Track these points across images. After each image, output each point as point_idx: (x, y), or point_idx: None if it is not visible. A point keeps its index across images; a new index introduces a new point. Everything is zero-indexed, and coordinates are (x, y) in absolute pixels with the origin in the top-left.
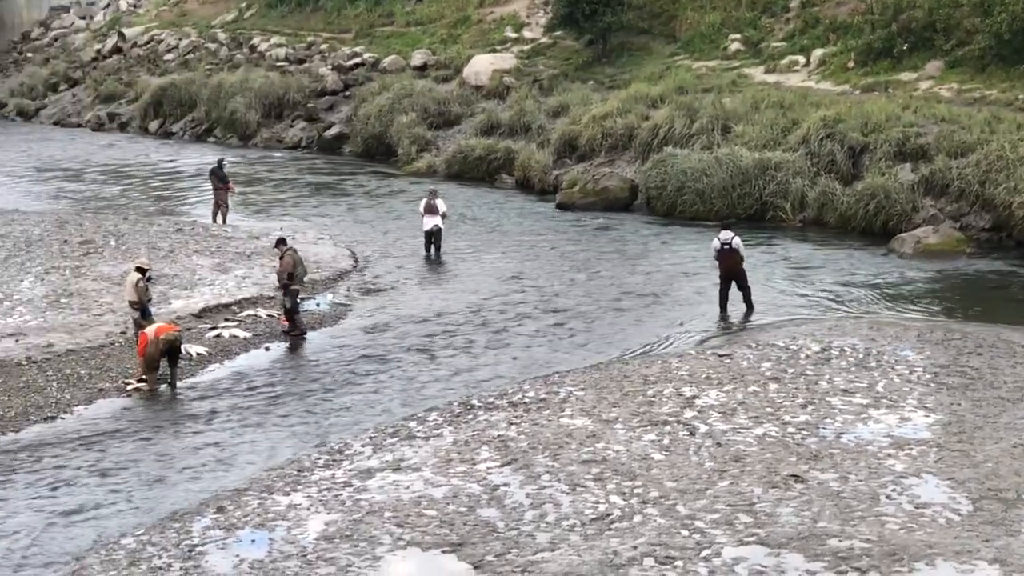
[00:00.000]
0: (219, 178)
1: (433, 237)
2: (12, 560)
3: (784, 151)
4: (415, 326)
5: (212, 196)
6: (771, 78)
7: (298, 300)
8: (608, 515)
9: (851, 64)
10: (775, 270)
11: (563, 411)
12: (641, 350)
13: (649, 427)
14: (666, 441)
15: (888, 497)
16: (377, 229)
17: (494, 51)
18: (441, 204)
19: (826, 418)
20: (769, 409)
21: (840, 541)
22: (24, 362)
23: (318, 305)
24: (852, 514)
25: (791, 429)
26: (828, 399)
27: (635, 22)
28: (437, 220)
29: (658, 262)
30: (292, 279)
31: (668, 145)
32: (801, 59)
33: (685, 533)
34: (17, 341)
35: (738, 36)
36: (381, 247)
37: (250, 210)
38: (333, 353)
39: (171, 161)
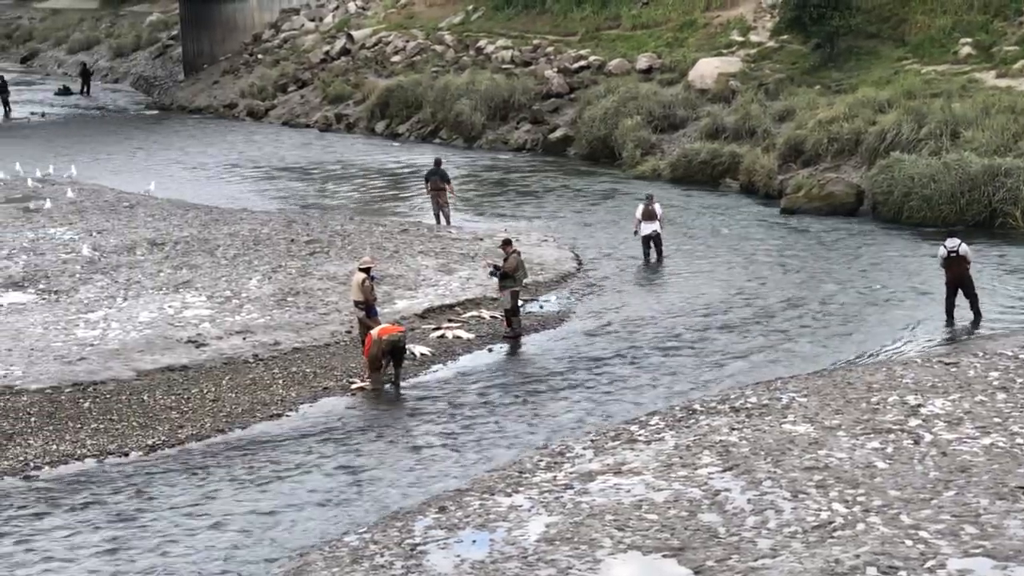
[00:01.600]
0: (441, 177)
1: (653, 242)
2: (238, 554)
3: (1015, 157)
4: (636, 329)
5: (431, 197)
6: (1003, 83)
7: (519, 303)
8: (830, 523)
9: None
10: (1004, 278)
11: (785, 417)
12: (865, 357)
13: (872, 435)
14: (890, 449)
15: None
16: (600, 232)
17: (720, 54)
18: (658, 208)
19: None
20: (997, 419)
21: None
22: (251, 359)
23: (541, 307)
24: None
25: (1020, 440)
26: None
27: (863, 26)
28: (655, 226)
29: (883, 268)
30: (512, 279)
31: (895, 150)
32: None
33: (909, 543)
34: (245, 339)
35: (969, 40)
36: (604, 250)
37: (474, 211)
38: (555, 355)
39: (397, 162)
